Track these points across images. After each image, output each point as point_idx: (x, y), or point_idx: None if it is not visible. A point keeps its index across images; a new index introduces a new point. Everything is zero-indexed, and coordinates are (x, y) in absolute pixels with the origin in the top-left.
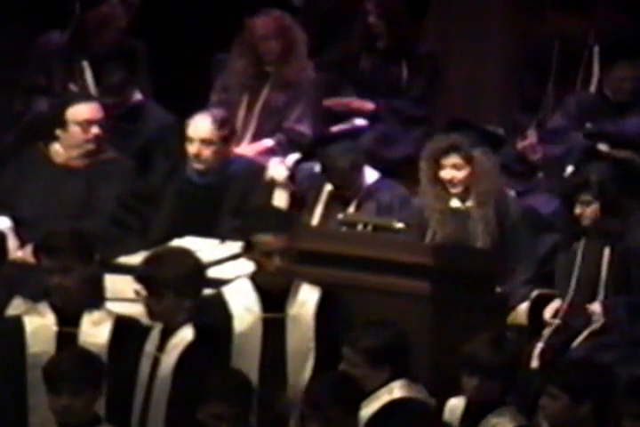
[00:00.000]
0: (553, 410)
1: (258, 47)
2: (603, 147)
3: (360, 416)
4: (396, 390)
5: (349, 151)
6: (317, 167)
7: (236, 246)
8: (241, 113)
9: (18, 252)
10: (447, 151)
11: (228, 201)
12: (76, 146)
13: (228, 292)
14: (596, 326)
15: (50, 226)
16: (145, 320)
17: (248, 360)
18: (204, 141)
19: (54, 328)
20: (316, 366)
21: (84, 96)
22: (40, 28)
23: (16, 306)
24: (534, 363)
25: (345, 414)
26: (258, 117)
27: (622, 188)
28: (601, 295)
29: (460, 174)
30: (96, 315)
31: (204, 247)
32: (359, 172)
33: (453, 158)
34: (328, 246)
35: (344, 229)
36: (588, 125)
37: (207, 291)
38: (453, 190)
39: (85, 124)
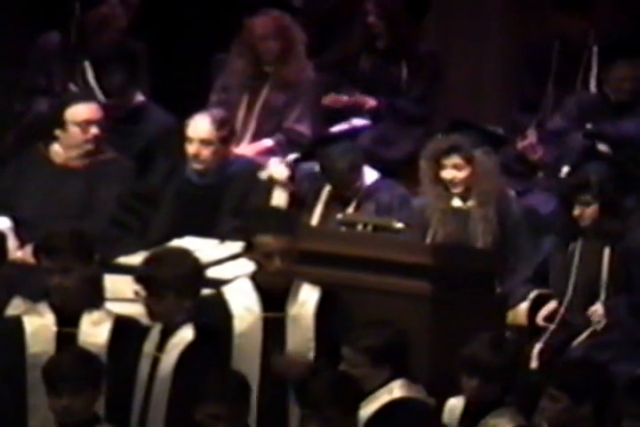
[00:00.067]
0: (553, 412)
1: (257, 47)
2: (602, 147)
3: (360, 416)
4: (396, 389)
5: (348, 152)
6: (317, 167)
7: (235, 247)
8: (240, 113)
9: (17, 252)
10: (448, 152)
11: (228, 201)
12: (76, 146)
13: (228, 291)
14: (598, 326)
15: (50, 226)
16: (144, 320)
17: (248, 360)
18: (204, 142)
19: (54, 328)
20: (315, 366)
21: (84, 96)
22: (40, 28)
23: (15, 306)
24: (533, 363)
25: (344, 413)
26: (257, 117)
27: (621, 187)
28: (602, 296)
29: (461, 174)
30: (96, 315)
31: (203, 247)
32: (358, 172)
33: (454, 159)
34: (328, 246)
35: (343, 229)
36: (588, 126)
37: (206, 291)
38: (454, 190)
39: (84, 125)
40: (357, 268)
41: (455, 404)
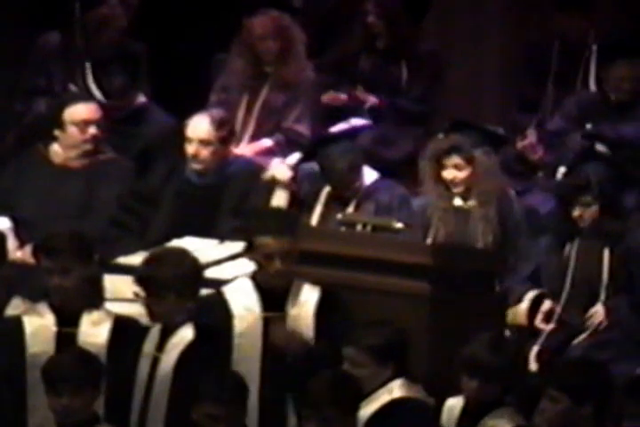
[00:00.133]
0: (553, 413)
1: (256, 47)
2: (600, 147)
3: (360, 416)
4: (396, 389)
5: (348, 152)
6: (317, 167)
7: (234, 247)
8: (240, 113)
9: (17, 252)
10: (448, 152)
11: (227, 201)
12: (74, 146)
13: (228, 291)
14: (599, 327)
15: (49, 226)
16: (144, 320)
17: (248, 360)
18: (203, 142)
19: (54, 329)
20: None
21: (83, 96)
22: (40, 28)
23: (15, 306)
24: (532, 366)
25: (343, 413)
26: (257, 118)
27: (620, 187)
28: (602, 296)
29: (462, 174)
30: (95, 315)
31: (202, 248)
32: (358, 172)
33: (454, 159)
34: (328, 246)
35: (343, 229)
36: (588, 127)
37: (206, 291)
38: (455, 190)
39: (82, 125)
40: (357, 268)
41: (454, 404)
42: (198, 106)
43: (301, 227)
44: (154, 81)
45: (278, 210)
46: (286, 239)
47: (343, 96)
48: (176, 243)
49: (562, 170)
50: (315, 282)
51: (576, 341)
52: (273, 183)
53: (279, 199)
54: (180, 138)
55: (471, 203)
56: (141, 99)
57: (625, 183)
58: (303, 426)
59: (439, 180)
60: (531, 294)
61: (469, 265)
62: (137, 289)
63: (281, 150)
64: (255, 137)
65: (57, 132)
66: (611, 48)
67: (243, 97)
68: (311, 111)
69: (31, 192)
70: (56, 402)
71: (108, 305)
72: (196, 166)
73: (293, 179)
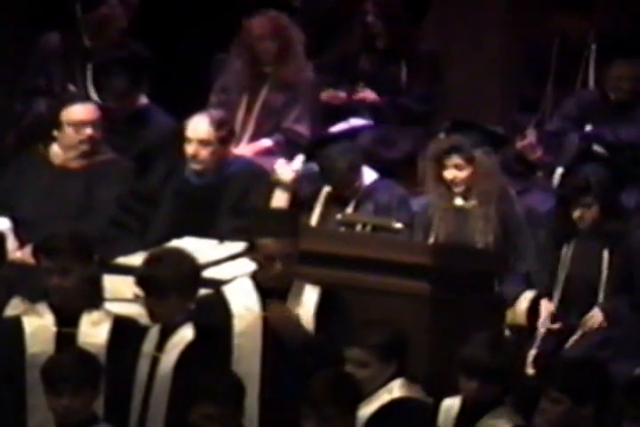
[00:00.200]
0: (554, 414)
1: (255, 48)
2: (598, 148)
3: (359, 416)
4: (396, 389)
5: (348, 152)
6: (316, 167)
7: (234, 247)
8: (240, 113)
9: (17, 252)
10: (449, 152)
11: (227, 201)
12: (71, 147)
13: (228, 291)
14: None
15: (49, 227)
16: (143, 320)
17: (248, 360)
18: (202, 142)
19: (53, 329)
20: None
21: (82, 97)
22: (40, 29)
23: (14, 306)
24: (529, 369)
25: (342, 412)
26: (256, 118)
27: (620, 187)
28: (600, 297)
29: (462, 174)
30: (95, 315)
31: (202, 248)
32: (357, 172)
33: (455, 159)
34: (327, 247)
35: (343, 229)
36: (588, 129)
37: (206, 291)
38: (456, 190)
39: (78, 125)
40: (357, 268)
41: (451, 404)
42: (198, 106)
43: (301, 227)
44: (154, 81)
45: (279, 211)
46: (287, 241)
47: (342, 94)
48: (175, 243)
49: (559, 170)
50: (315, 282)
51: (570, 341)
52: (275, 184)
53: (279, 200)
54: (179, 138)
55: (472, 202)
56: (143, 100)
57: (625, 184)
58: (302, 424)
59: (440, 180)
60: (530, 295)
61: (469, 265)
62: (137, 290)
63: (280, 150)
64: (255, 137)
65: (56, 133)
66: (610, 48)
67: (242, 97)
68: (311, 111)
69: (31, 192)
70: (56, 402)
71: (108, 305)
72: (195, 167)
73: (295, 180)
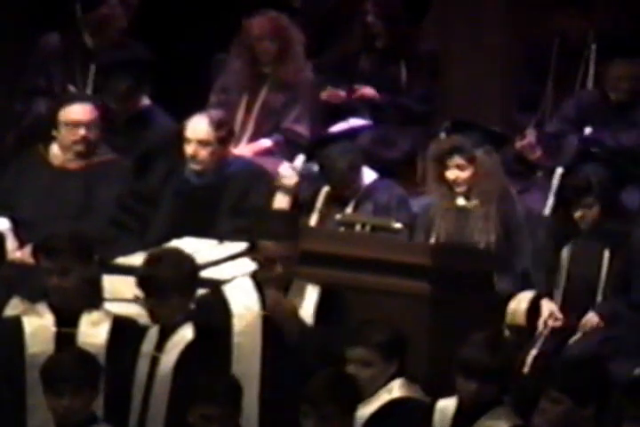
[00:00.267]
0: (554, 414)
1: (254, 48)
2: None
3: (359, 415)
4: (396, 389)
5: (348, 152)
6: (316, 168)
7: (233, 247)
8: (239, 114)
9: (17, 252)
10: (450, 152)
11: (226, 202)
12: (67, 147)
13: (228, 290)
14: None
15: (49, 227)
16: (143, 320)
17: (248, 359)
18: (201, 142)
19: (53, 329)
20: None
21: (82, 97)
22: (40, 29)
23: (14, 306)
24: (526, 369)
25: (341, 412)
26: (256, 118)
27: (621, 188)
28: (599, 297)
29: (464, 174)
30: (94, 315)
31: (201, 248)
32: (357, 172)
33: (456, 159)
34: (327, 247)
35: (342, 229)
36: (587, 131)
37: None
38: (458, 190)
39: (73, 125)
40: (356, 268)
41: (446, 405)
42: (198, 106)
43: (301, 228)
44: (153, 81)
45: (280, 213)
46: (287, 244)
47: (342, 93)
48: (175, 243)
49: (559, 170)
50: (314, 282)
51: (570, 341)
52: (278, 187)
53: (281, 203)
54: (179, 139)
55: (473, 202)
56: (145, 101)
57: (626, 184)
58: (301, 423)
59: (442, 180)
60: (529, 295)
61: (469, 265)
62: (137, 291)
63: (280, 151)
64: (254, 137)
65: (55, 133)
66: (610, 48)
67: (242, 97)
68: (310, 111)
69: (31, 193)
70: (56, 402)
71: (107, 305)
72: (195, 167)
73: (297, 184)
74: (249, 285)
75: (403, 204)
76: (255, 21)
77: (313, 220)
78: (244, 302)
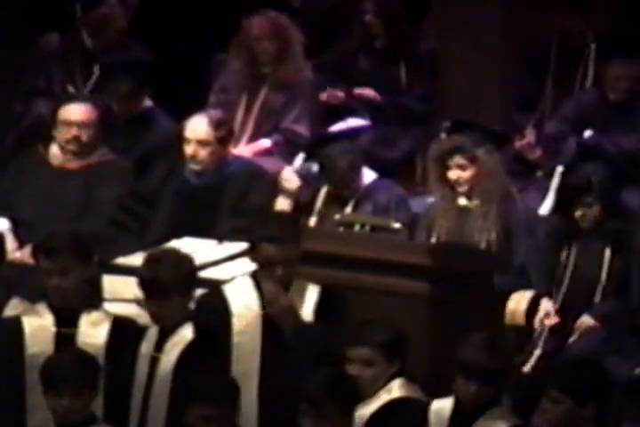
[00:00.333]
0: (554, 414)
1: (253, 48)
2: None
3: (359, 416)
4: (395, 389)
5: (348, 151)
6: (315, 167)
7: (233, 247)
8: (239, 114)
9: (16, 253)
10: (451, 152)
11: (226, 202)
12: (61, 145)
13: (228, 289)
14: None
15: (49, 227)
16: (142, 321)
17: (247, 358)
18: (201, 142)
19: (53, 329)
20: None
21: (80, 97)
22: (40, 29)
23: (13, 306)
24: (532, 369)
25: (340, 411)
26: (255, 118)
27: (621, 186)
28: (598, 297)
29: (466, 174)
30: (94, 316)
31: (201, 248)
32: (357, 172)
33: (458, 159)
34: (327, 247)
35: (341, 229)
36: (587, 134)
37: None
38: (460, 189)
39: (66, 125)
40: (356, 268)
41: (442, 406)
42: (197, 106)
43: (302, 229)
44: (154, 82)
45: (280, 216)
46: (288, 247)
47: (340, 93)
48: (175, 243)
49: (559, 169)
50: (314, 282)
51: (570, 342)
52: (280, 190)
53: (282, 206)
54: (179, 139)
55: (475, 202)
56: (147, 103)
57: (628, 184)
58: (300, 421)
59: (443, 180)
60: (529, 295)
61: (469, 265)
62: (137, 293)
63: (280, 151)
64: (254, 137)
65: (54, 133)
66: (609, 48)
67: (241, 97)
68: (310, 112)
69: (30, 193)
70: (55, 403)
71: (107, 306)
72: (194, 167)
73: (300, 189)
74: (249, 284)
75: (402, 204)
76: (254, 21)
77: (312, 219)
78: (243, 302)
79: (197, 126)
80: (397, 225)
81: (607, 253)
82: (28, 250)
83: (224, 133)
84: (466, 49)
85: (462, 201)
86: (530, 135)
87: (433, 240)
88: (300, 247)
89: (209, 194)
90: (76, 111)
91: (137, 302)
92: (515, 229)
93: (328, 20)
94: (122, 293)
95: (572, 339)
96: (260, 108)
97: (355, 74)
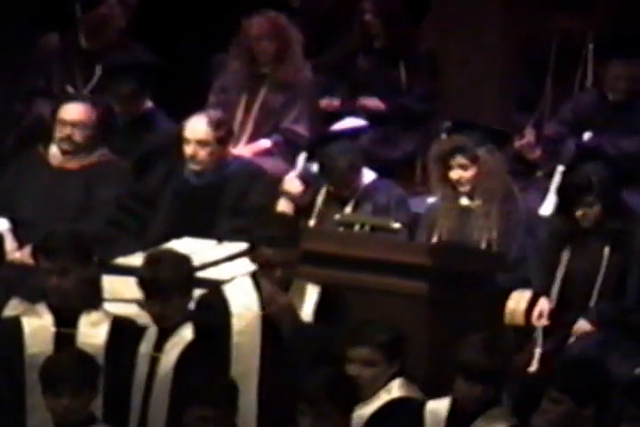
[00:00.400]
0: (554, 414)
1: (253, 48)
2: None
3: (359, 416)
4: (395, 389)
5: (348, 151)
6: (315, 167)
7: (233, 247)
8: (238, 114)
9: (16, 253)
10: (452, 152)
11: (226, 202)
12: (56, 144)
13: (228, 289)
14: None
15: (48, 227)
16: (142, 321)
17: (247, 358)
18: (200, 142)
19: (52, 329)
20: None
21: (81, 97)
22: (40, 29)
23: (13, 307)
24: (534, 367)
25: (339, 410)
26: (255, 118)
27: (622, 186)
28: (595, 297)
29: (468, 174)
30: (94, 316)
31: (201, 248)
32: (357, 172)
33: (459, 159)
34: (326, 247)
35: (341, 229)
36: (586, 136)
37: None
38: (462, 189)
39: (60, 123)
40: (355, 268)
41: (438, 407)
42: (197, 106)
43: (301, 230)
44: (154, 83)
45: (280, 219)
46: (287, 250)
47: (337, 102)
48: (174, 243)
49: (560, 169)
50: (314, 282)
51: (570, 341)
52: (282, 193)
53: (284, 208)
54: (179, 139)
55: (477, 202)
56: (148, 104)
57: (629, 184)
58: (298, 421)
59: (445, 180)
60: (528, 294)
61: (468, 265)
62: (138, 296)
63: (279, 151)
64: (253, 138)
65: (53, 132)
66: (607, 48)
67: (241, 98)
68: (309, 112)
69: (30, 193)
70: (55, 403)
71: (107, 306)
72: (194, 167)
73: (302, 194)
74: (248, 285)
75: (402, 204)
76: (254, 21)
77: (312, 220)
78: (243, 302)
79: (197, 126)
80: (397, 225)
81: (606, 252)
82: (27, 250)
83: (223, 133)
84: (466, 49)
85: (464, 201)
86: (529, 135)
87: (434, 239)
88: (299, 249)
89: (208, 194)
90: (71, 111)
91: (138, 302)
92: (512, 228)
93: (327, 20)
94: (121, 293)
95: (570, 340)
96: (260, 108)
97: (354, 74)
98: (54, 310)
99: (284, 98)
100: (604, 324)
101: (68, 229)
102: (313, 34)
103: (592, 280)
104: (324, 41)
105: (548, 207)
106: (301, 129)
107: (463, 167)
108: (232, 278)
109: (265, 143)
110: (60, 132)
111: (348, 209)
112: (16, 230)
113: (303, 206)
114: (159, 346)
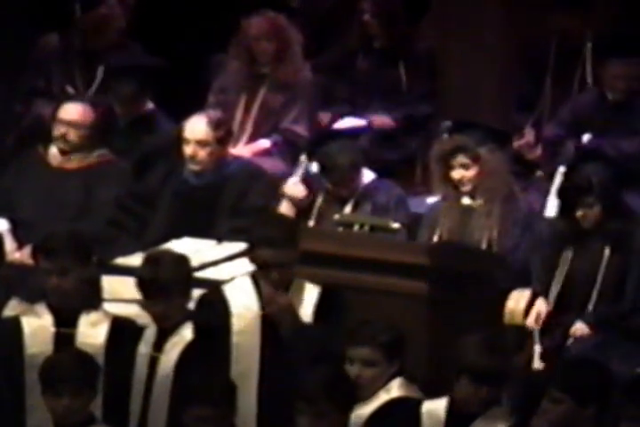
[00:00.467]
0: (555, 414)
1: (252, 48)
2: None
3: (359, 415)
4: (394, 389)
5: (349, 150)
6: (315, 167)
7: (232, 247)
8: (238, 114)
9: (16, 253)
10: (454, 152)
11: (225, 202)
12: (54, 143)
13: (227, 289)
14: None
15: (48, 228)
16: (142, 321)
17: (247, 358)
18: (200, 143)
19: (52, 329)
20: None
21: (81, 97)
22: (40, 29)
23: (12, 307)
24: (536, 364)
25: (337, 410)
26: (255, 118)
27: (621, 187)
28: (594, 297)
29: (469, 173)
30: (93, 316)
31: (200, 248)
32: (357, 171)
33: (461, 159)
34: (326, 247)
35: (340, 229)
36: (586, 138)
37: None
38: (463, 189)
39: (57, 122)
40: (355, 268)
41: (435, 407)
42: (197, 106)
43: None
44: (156, 84)
45: (279, 220)
46: (285, 251)
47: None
48: (174, 244)
49: (561, 169)
50: (314, 282)
51: (570, 341)
52: (284, 196)
53: (285, 211)
54: (178, 139)
55: (479, 201)
56: (149, 105)
57: (630, 184)
58: (296, 420)
59: (447, 180)
60: (527, 294)
61: (468, 265)
62: (138, 297)
63: (279, 151)
64: (253, 138)
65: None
66: (606, 47)
67: (240, 98)
68: (309, 112)
69: (30, 193)
70: (55, 403)
71: (106, 306)
72: (193, 167)
73: (305, 198)
74: (248, 285)
75: (401, 204)
76: (253, 21)
77: (312, 220)
78: (243, 302)
79: (196, 127)
80: (396, 225)
81: (606, 252)
82: (27, 250)
83: (223, 134)
84: (465, 49)
85: (466, 200)
86: (529, 135)
87: (435, 239)
88: (298, 251)
89: (208, 194)
90: (69, 110)
91: (139, 302)
92: (513, 227)
93: (327, 20)
94: (121, 293)
95: (567, 344)
96: (259, 108)
97: (354, 74)
98: (54, 310)
99: (283, 98)
100: (601, 327)
101: (67, 229)
102: (312, 34)
103: (592, 280)
104: (323, 41)
105: (552, 209)
106: (301, 129)
107: (465, 167)
108: (232, 278)
109: (264, 143)
110: (56, 130)
111: (348, 209)
112: (16, 231)
113: (303, 207)
114: (159, 346)
